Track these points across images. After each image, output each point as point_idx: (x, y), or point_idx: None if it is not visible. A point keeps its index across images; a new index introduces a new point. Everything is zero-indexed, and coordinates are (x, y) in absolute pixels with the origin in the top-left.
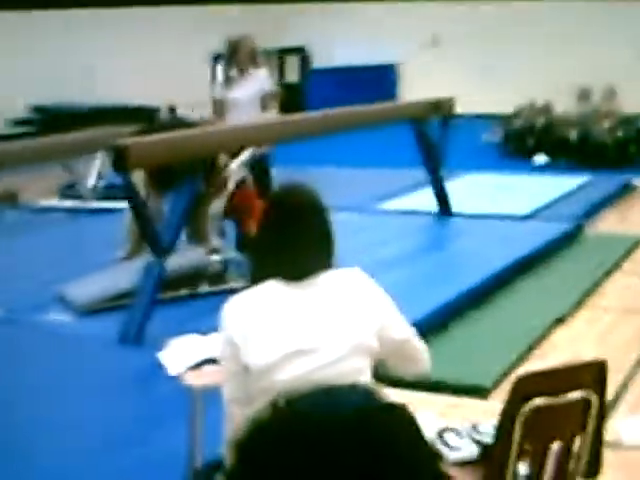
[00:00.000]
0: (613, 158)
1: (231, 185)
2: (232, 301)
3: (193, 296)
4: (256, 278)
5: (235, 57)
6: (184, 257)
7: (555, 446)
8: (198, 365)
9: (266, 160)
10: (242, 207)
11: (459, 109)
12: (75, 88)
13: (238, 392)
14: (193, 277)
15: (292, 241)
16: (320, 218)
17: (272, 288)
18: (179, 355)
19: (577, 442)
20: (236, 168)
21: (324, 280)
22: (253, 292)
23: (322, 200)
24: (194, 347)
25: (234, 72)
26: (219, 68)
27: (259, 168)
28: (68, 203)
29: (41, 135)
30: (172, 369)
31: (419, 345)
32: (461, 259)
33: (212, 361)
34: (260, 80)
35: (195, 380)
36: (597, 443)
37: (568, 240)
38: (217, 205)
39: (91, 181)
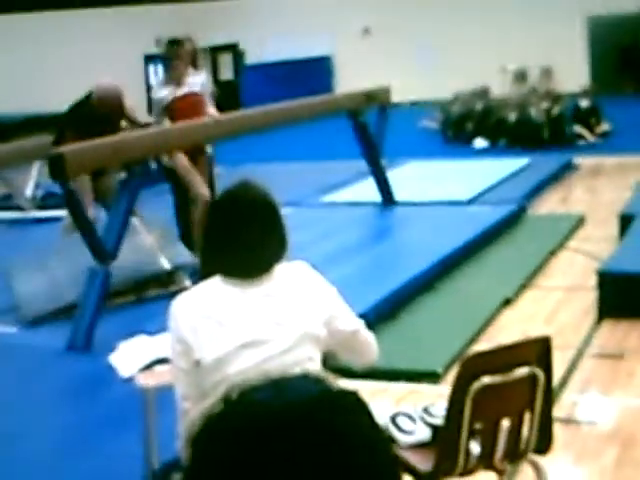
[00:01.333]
0: (551, 138)
1: None
2: (180, 298)
3: (141, 300)
4: (205, 274)
5: (179, 57)
6: (133, 260)
7: (505, 423)
8: (149, 366)
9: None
10: None
11: (396, 98)
12: (3, 96)
13: (190, 388)
14: (142, 282)
15: (244, 238)
16: (272, 213)
17: (219, 283)
18: (130, 357)
19: (527, 419)
20: None
21: (273, 274)
22: (201, 288)
23: (272, 196)
24: (144, 348)
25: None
26: (153, 69)
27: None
28: (7, 214)
29: None
30: (124, 371)
31: (367, 336)
32: (407, 247)
33: (163, 361)
34: (201, 81)
35: (147, 380)
36: (547, 419)
37: (512, 222)
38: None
39: (28, 191)
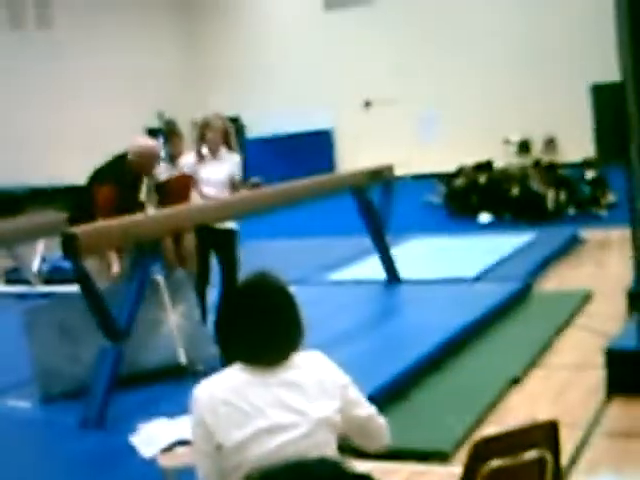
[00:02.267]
0: (553, 211)
1: None
2: (202, 384)
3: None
4: (226, 361)
5: (206, 136)
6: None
7: None
8: (170, 447)
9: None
10: None
11: (398, 171)
12: (6, 168)
13: (212, 471)
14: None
15: (263, 328)
16: (289, 304)
17: (240, 371)
18: (151, 438)
19: None
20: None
21: (291, 363)
22: (222, 375)
23: (288, 287)
24: (165, 430)
25: (205, 150)
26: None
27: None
28: (14, 288)
29: None
30: (145, 452)
31: (379, 421)
32: (413, 326)
33: (184, 443)
34: (232, 165)
35: (168, 461)
36: None
37: (519, 299)
38: None
39: (35, 265)
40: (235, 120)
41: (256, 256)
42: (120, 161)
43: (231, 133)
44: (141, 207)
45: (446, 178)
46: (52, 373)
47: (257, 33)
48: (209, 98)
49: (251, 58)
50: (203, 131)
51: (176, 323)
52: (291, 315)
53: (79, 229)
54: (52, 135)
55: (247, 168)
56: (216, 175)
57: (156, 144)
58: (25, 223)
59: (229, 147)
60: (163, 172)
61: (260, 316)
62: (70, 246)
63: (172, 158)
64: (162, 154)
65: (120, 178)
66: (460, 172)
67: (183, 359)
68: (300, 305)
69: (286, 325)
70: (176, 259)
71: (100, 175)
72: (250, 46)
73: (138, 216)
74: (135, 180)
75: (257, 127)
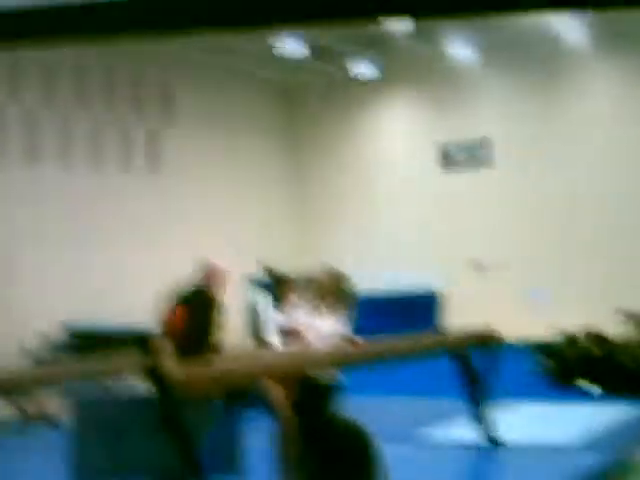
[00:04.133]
0: None
1: None
2: None
3: None
4: None
5: (317, 291)
6: None
7: None
8: None
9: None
10: None
11: (505, 335)
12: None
13: None
14: None
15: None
16: (372, 455)
17: None
18: None
19: None
20: None
21: None
22: None
23: (373, 437)
24: None
25: (316, 304)
26: (261, 298)
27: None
28: None
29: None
30: None
31: None
32: None
33: None
34: (340, 325)
35: None
36: None
37: (620, 472)
38: None
39: None
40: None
41: (353, 411)
42: (197, 287)
43: (344, 287)
44: (207, 329)
45: (556, 347)
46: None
47: (368, 194)
48: (312, 257)
49: (359, 220)
50: (315, 284)
51: None
52: (374, 463)
53: (177, 374)
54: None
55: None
56: (327, 331)
57: (223, 269)
58: (117, 361)
59: (341, 302)
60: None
61: (345, 462)
62: (164, 391)
63: (279, 307)
64: (271, 306)
65: (192, 299)
66: (572, 342)
67: None
68: (380, 457)
69: (369, 473)
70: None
71: (175, 298)
72: (359, 209)
73: (238, 362)
74: (207, 302)
75: (361, 285)
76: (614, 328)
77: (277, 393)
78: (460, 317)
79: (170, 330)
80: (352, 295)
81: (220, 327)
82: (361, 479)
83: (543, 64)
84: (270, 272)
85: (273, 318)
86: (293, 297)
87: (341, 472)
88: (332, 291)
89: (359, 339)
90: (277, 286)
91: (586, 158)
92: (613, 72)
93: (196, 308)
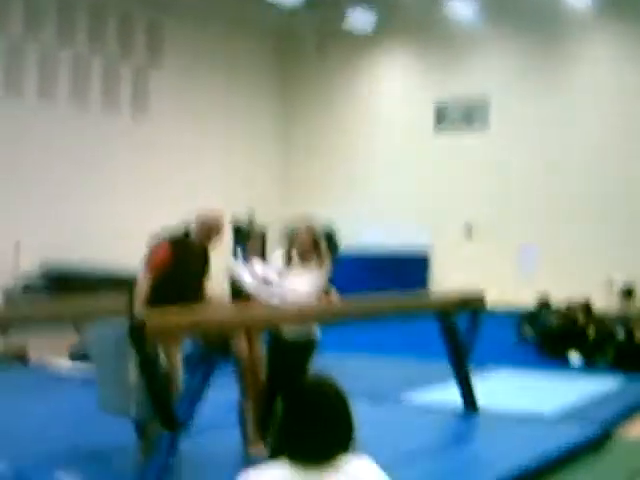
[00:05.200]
0: None
1: None
2: (249, 474)
3: None
4: (273, 455)
5: (295, 242)
6: None
7: None
8: None
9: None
10: None
11: (492, 301)
12: (83, 253)
13: None
14: None
15: (314, 427)
16: (340, 406)
17: (284, 468)
18: None
19: None
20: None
21: (337, 465)
22: (267, 469)
23: (344, 391)
24: None
25: (295, 257)
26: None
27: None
28: (79, 365)
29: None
30: None
31: None
32: (479, 459)
33: None
34: (318, 276)
35: None
36: None
37: (595, 445)
38: None
39: None
40: (328, 235)
41: (334, 368)
42: (185, 230)
43: (321, 241)
44: (194, 277)
45: (541, 313)
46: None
47: (362, 144)
48: (304, 208)
49: (351, 173)
50: (293, 236)
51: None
52: (342, 416)
53: (148, 317)
54: (138, 225)
55: (337, 279)
56: (302, 285)
57: (219, 216)
58: (94, 304)
59: (318, 256)
60: (238, 271)
61: (311, 414)
62: (137, 333)
63: (247, 257)
64: (238, 251)
65: (179, 242)
66: (557, 310)
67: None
68: (353, 411)
69: (335, 425)
70: (249, 361)
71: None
72: (351, 161)
73: (209, 309)
74: (195, 247)
75: (351, 241)
76: (603, 301)
77: (241, 345)
78: (448, 278)
79: (153, 266)
80: (333, 249)
81: (207, 276)
82: (334, 435)
83: (544, 26)
84: (252, 217)
85: (246, 267)
86: (255, 250)
87: (312, 427)
88: (310, 244)
89: (335, 295)
90: (246, 238)
91: (583, 121)
92: (614, 37)
93: (181, 247)
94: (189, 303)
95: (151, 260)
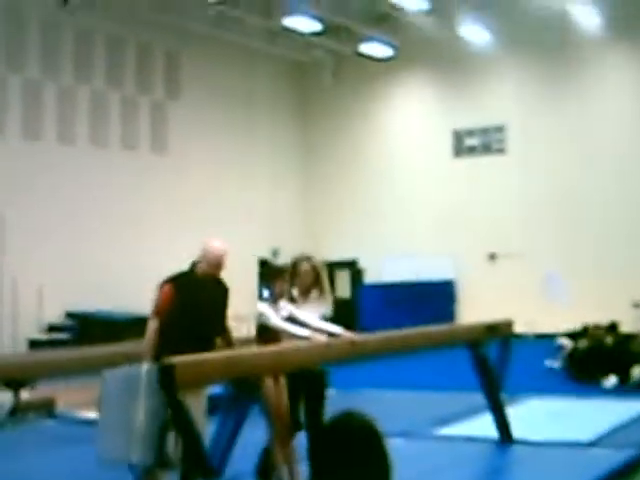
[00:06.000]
0: None
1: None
2: None
3: None
4: None
5: (297, 278)
6: None
7: None
8: None
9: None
10: None
11: (520, 328)
12: (108, 296)
13: None
14: None
15: (343, 466)
16: (372, 445)
17: None
18: None
19: None
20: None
21: None
22: None
23: (375, 427)
24: None
25: (296, 293)
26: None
27: (313, 388)
28: None
29: (76, 343)
30: None
31: None
32: None
33: None
34: (323, 307)
35: None
36: None
37: (636, 468)
38: None
39: None
40: (353, 264)
41: (363, 405)
42: (191, 265)
43: (322, 275)
44: (208, 308)
45: (570, 338)
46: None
47: (380, 176)
48: (325, 241)
49: (371, 203)
50: (293, 272)
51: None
52: (373, 453)
53: (178, 360)
54: (163, 263)
55: (362, 314)
56: (309, 320)
57: (222, 250)
58: (121, 350)
59: (321, 290)
60: (265, 311)
61: (342, 454)
62: (166, 377)
63: (275, 298)
64: (266, 293)
65: (182, 278)
66: (585, 332)
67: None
68: (387, 447)
69: (365, 463)
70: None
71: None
72: (371, 191)
73: (242, 351)
74: (201, 280)
75: (374, 273)
76: (629, 323)
77: (270, 387)
78: (475, 308)
79: (158, 310)
80: (359, 282)
81: (226, 306)
82: (365, 474)
83: (559, 51)
84: (276, 255)
85: (279, 308)
86: (282, 288)
87: (342, 467)
88: (312, 279)
89: (354, 335)
90: (270, 277)
91: (601, 145)
92: (628, 60)
93: (185, 283)
94: (209, 338)
95: (156, 304)
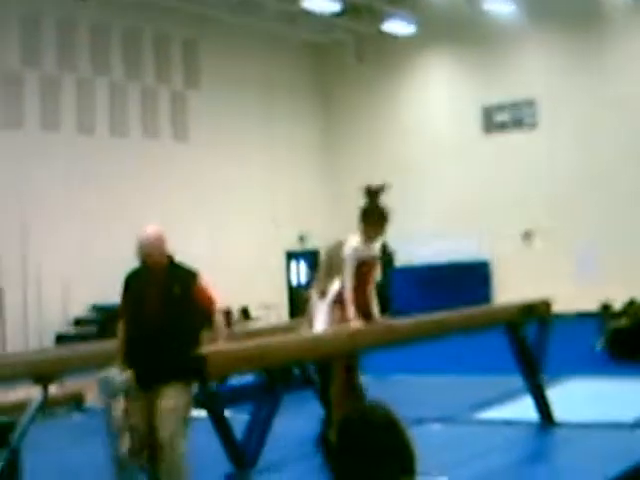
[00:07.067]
0: None
1: None
2: None
3: None
4: None
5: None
6: None
7: None
8: None
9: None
10: None
11: (558, 307)
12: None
13: None
14: None
15: (361, 459)
16: (390, 438)
17: None
18: None
19: None
20: None
21: None
22: None
23: (395, 419)
24: None
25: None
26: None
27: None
28: None
29: (102, 336)
30: None
31: None
32: (564, 474)
33: None
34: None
35: None
36: None
37: None
38: None
39: None
40: (382, 247)
41: (401, 391)
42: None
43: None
44: (144, 306)
45: (607, 317)
46: None
47: (407, 156)
48: (354, 225)
49: (398, 184)
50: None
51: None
52: (391, 446)
53: (209, 351)
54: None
55: (394, 297)
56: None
57: (145, 236)
58: None
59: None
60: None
61: (356, 446)
62: (199, 368)
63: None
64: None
65: (132, 274)
66: (624, 311)
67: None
68: (409, 438)
69: (383, 455)
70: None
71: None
72: (398, 172)
73: (274, 339)
74: (147, 275)
75: (405, 255)
76: None
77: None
78: (511, 287)
79: (120, 311)
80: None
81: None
82: (384, 466)
83: (587, 21)
84: (303, 242)
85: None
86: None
87: (360, 460)
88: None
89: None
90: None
91: (633, 116)
92: None
93: (133, 278)
94: (171, 333)
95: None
